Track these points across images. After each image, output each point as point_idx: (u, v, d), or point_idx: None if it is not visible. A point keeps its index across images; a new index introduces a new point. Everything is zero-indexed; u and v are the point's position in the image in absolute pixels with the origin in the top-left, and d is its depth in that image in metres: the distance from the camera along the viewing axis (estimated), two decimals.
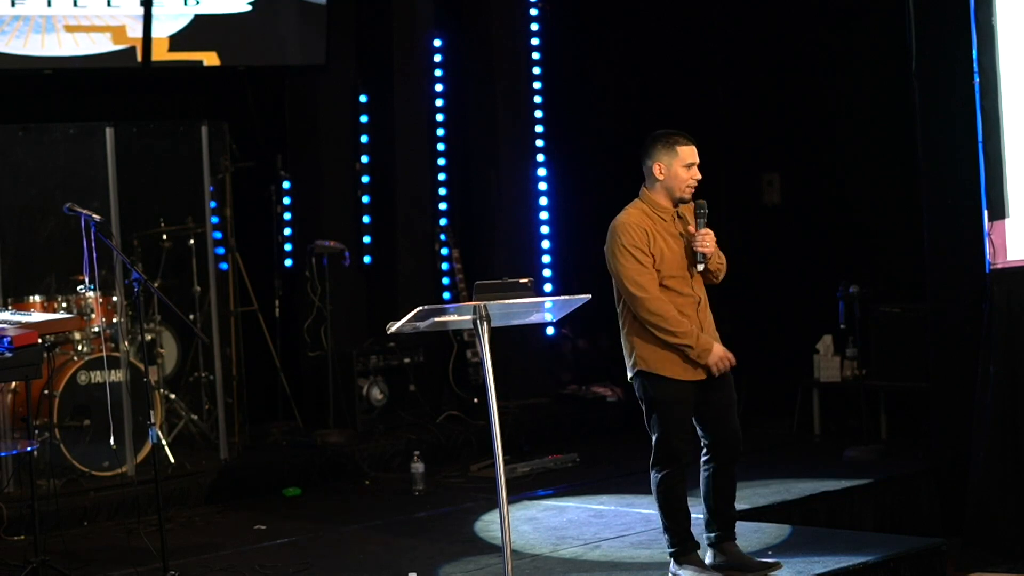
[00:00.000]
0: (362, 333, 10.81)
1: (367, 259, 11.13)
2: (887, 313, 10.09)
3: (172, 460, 9.00)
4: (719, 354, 6.30)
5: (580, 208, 11.73)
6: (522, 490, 8.87)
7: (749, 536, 7.28)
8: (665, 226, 6.36)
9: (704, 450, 6.53)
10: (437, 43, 11.44)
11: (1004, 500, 8.21)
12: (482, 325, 5.84)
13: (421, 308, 5.80)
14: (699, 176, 6.38)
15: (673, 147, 6.36)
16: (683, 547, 6.46)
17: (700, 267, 6.34)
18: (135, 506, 8.41)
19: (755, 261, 10.68)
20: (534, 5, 11.74)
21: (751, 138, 11.16)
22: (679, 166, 6.34)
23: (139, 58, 9.87)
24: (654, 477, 6.43)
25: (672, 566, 6.51)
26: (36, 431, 7.87)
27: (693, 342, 6.26)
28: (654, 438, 6.40)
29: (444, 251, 11.28)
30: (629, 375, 6.46)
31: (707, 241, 6.31)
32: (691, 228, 6.38)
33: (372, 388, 10.39)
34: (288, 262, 10.93)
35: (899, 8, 9.02)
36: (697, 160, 6.38)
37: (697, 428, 6.48)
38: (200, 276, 9.69)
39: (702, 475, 6.55)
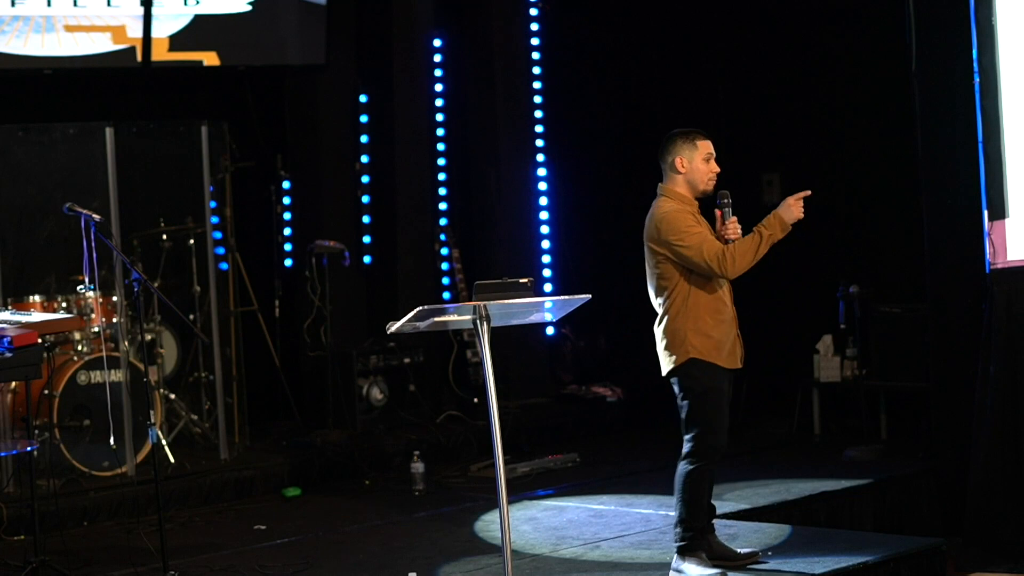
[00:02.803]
0: (362, 333, 10.81)
1: (367, 259, 11.14)
2: (887, 313, 10.09)
3: (172, 460, 9.00)
4: (789, 205, 6.48)
5: (580, 208, 11.74)
6: (522, 490, 8.87)
7: (749, 536, 7.29)
8: (696, 216, 6.56)
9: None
10: (437, 43, 11.45)
11: (1004, 500, 8.21)
12: (482, 325, 5.84)
13: (421, 308, 5.80)
14: (718, 169, 6.58)
15: (693, 141, 6.56)
16: (694, 542, 6.50)
17: None
18: (135, 506, 8.41)
19: None
20: (534, 5, 11.74)
21: (751, 138, 11.16)
22: (700, 159, 6.54)
23: (139, 58, 9.87)
24: (685, 468, 6.47)
25: (676, 561, 6.54)
26: (36, 431, 7.87)
27: (774, 229, 6.45)
28: (695, 432, 6.45)
29: (444, 251, 11.28)
30: (670, 367, 6.49)
31: (736, 229, 6.53)
32: (719, 214, 6.58)
33: (372, 388, 10.39)
34: (288, 262, 10.93)
35: (899, 8, 9.01)
36: (714, 153, 6.59)
37: None
38: (200, 276, 9.69)
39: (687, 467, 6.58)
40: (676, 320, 6.48)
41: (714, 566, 6.49)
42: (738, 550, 6.72)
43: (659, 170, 6.64)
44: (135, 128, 9.59)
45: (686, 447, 6.49)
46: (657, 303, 6.57)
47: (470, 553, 7.37)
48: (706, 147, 6.56)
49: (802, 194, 6.49)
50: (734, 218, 6.54)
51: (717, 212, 6.60)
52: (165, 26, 9.94)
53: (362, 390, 10.35)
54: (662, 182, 6.61)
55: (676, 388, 6.53)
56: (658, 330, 6.57)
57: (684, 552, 6.51)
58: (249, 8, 10.23)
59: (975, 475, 8.32)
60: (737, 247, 6.43)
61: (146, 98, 10.54)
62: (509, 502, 5.92)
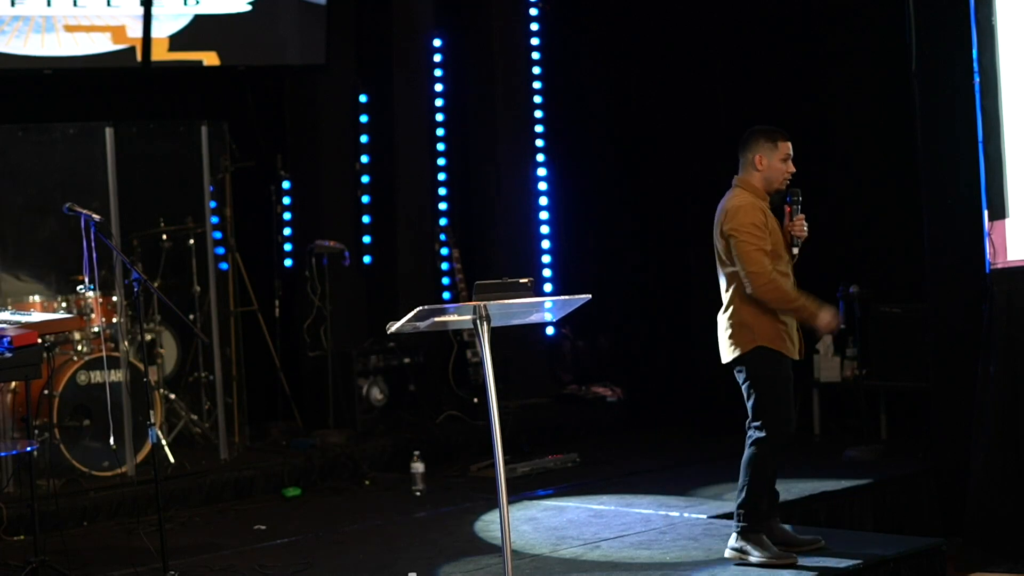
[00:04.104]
0: (362, 333, 10.81)
1: (367, 259, 11.14)
2: (887, 313, 10.09)
3: (172, 460, 9.00)
4: (831, 315, 6.60)
5: (580, 208, 11.73)
6: (522, 490, 8.87)
7: None
8: (768, 211, 6.74)
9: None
10: (437, 43, 11.45)
11: (1004, 500, 8.21)
12: (482, 325, 5.84)
13: (421, 308, 5.80)
14: (793, 169, 6.78)
15: (775, 142, 6.77)
16: (757, 525, 6.69)
17: (796, 251, 6.74)
18: (135, 506, 8.41)
19: None
20: (534, 5, 11.75)
21: None
22: (778, 159, 6.75)
23: (139, 58, 9.87)
24: (754, 454, 6.65)
25: (735, 541, 6.73)
26: (36, 431, 7.87)
27: (809, 305, 6.55)
28: (762, 419, 6.62)
29: (444, 251, 11.28)
30: (736, 355, 6.63)
31: (803, 226, 6.71)
32: (788, 210, 6.76)
33: (372, 388, 10.39)
34: (288, 262, 10.93)
35: (899, 8, 9.01)
36: (792, 154, 6.79)
37: None
38: (200, 276, 9.69)
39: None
40: (743, 308, 6.62)
41: (780, 549, 6.69)
42: (801, 536, 6.92)
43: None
44: (135, 128, 9.59)
45: (754, 434, 6.66)
46: (726, 292, 6.71)
47: (470, 553, 7.36)
48: (786, 148, 6.76)
49: (835, 328, 6.67)
50: (802, 215, 6.73)
51: (786, 208, 6.78)
52: (165, 26, 9.94)
53: (362, 390, 10.35)
54: (738, 174, 6.79)
55: (741, 376, 6.68)
56: (723, 318, 6.70)
57: (747, 533, 6.70)
58: (249, 8, 10.23)
59: (975, 475, 8.32)
60: (782, 283, 6.56)
61: (146, 98, 10.53)
62: (509, 502, 5.92)
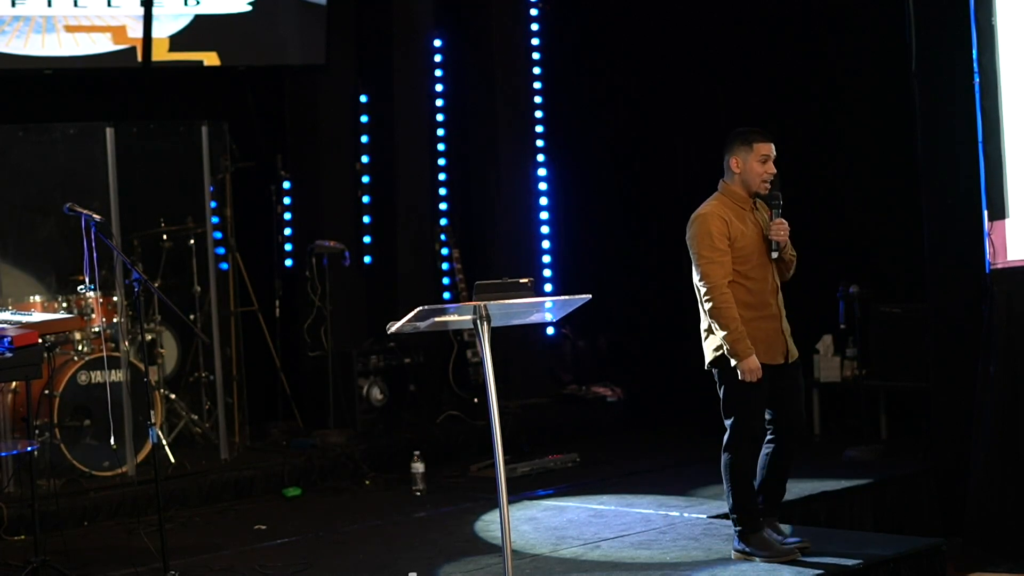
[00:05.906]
0: (362, 333, 10.81)
1: (367, 259, 11.14)
2: (887, 313, 10.09)
3: (172, 460, 9.00)
4: (753, 367, 6.53)
5: (580, 208, 11.73)
6: (522, 490, 8.87)
7: None
8: (744, 214, 6.71)
9: (769, 430, 6.78)
10: (437, 43, 11.45)
11: (1004, 500, 8.21)
12: (482, 325, 5.85)
13: (421, 308, 5.80)
14: (774, 170, 6.72)
15: (750, 143, 6.70)
16: (751, 525, 6.73)
17: (775, 255, 6.71)
18: (135, 506, 8.41)
19: None
20: (534, 5, 11.74)
21: None
22: (754, 160, 6.69)
23: (139, 58, 9.87)
24: (727, 458, 6.68)
25: (737, 543, 6.77)
26: (36, 431, 7.87)
27: (740, 345, 6.51)
28: (731, 421, 6.65)
29: (444, 251, 11.28)
30: (709, 359, 6.68)
31: (780, 230, 6.67)
32: (768, 213, 6.73)
33: (372, 388, 10.39)
34: (288, 262, 10.94)
35: (899, 8, 9.01)
36: (773, 155, 6.72)
37: (766, 410, 6.75)
38: (200, 276, 9.69)
39: (762, 452, 6.80)
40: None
41: (780, 547, 6.72)
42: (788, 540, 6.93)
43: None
44: (135, 128, 9.60)
45: (724, 439, 6.70)
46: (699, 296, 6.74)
47: (470, 553, 7.37)
48: (762, 149, 6.69)
49: (753, 377, 6.54)
50: (781, 220, 6.69)
51: (767, 212, 6.76)
52: (165, 26, 9.95)
53: (362, 390, 10.35)
54: (723, 178, 6.78)
55: (716, 379, 6.70)
56: (702, 322, 6.71)
57: (744, 536, 6.75)
58: (249, 8, 10.23)
59: (975, 475, 8.32)
60: (728, 304, 6.53)
61: (146, 98, 10.53)
62: (509, 502, 5.92)
